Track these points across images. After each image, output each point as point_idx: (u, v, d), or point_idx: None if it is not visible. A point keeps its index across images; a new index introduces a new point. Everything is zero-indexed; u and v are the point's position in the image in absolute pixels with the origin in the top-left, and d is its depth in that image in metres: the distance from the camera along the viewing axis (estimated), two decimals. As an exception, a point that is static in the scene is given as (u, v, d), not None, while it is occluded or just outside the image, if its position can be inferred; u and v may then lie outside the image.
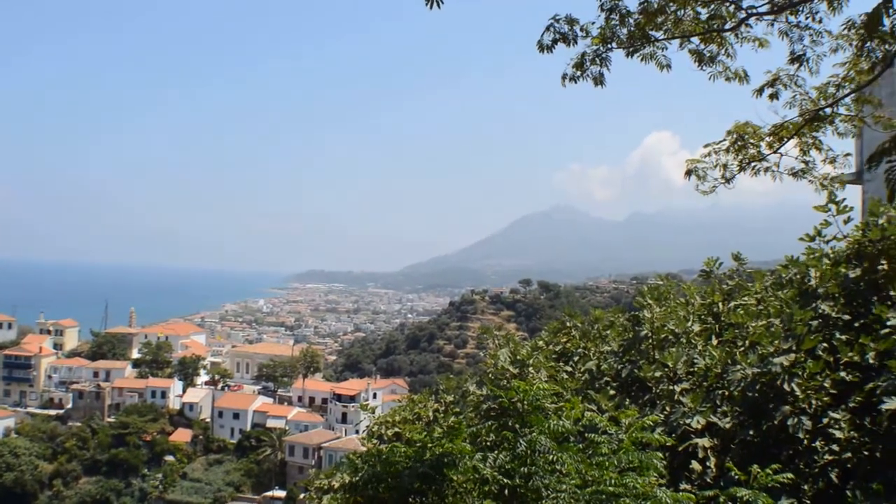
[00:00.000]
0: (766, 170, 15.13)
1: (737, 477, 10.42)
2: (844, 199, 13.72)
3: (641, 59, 13.17)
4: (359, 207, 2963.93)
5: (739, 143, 15.04)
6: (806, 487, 11.23)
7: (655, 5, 12.82)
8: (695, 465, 12.03)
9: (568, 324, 17.13)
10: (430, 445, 10.44)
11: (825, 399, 11.73)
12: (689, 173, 15.19)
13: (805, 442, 11.46)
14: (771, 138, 14.84)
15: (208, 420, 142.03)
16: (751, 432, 12.03)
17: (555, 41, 12.71)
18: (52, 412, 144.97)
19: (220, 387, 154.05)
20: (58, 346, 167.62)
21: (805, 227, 14.12)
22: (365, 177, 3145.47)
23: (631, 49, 13.14)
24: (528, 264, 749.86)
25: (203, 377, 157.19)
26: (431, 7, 11.28)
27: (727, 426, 12.30)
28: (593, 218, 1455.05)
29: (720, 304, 15.01)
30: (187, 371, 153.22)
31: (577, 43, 12.89)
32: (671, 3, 12.89)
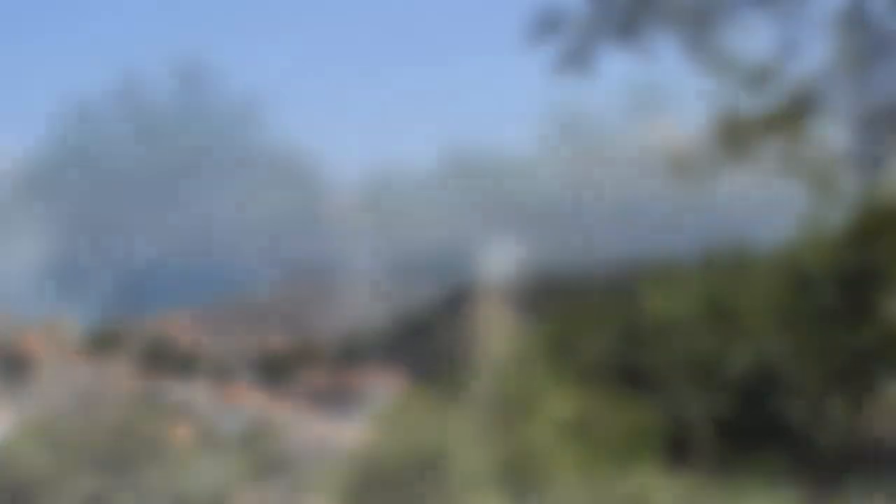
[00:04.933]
0: (754, 160, 15.08)
1: (736, 462, 10.44)
2: (840, 183, 13.66)
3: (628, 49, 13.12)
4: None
5: (727, 133, 15.01)
6: (804, 471, 11.26)
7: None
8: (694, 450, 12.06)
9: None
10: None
11: (823, 384, 11.77)
12: (675, 164, 15.13)
13: (803, 427, 11.50)
14: (758, 127, 14.82)
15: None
16: (749, 418, 12.06)
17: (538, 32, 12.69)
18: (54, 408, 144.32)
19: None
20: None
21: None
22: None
23: (618, 39, 13.10)
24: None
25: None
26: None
27: (726, 412, 12.33)
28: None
29: (720, 290, 14.99)
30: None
31: (562, 32, 12.87)
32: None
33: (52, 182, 20.14)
